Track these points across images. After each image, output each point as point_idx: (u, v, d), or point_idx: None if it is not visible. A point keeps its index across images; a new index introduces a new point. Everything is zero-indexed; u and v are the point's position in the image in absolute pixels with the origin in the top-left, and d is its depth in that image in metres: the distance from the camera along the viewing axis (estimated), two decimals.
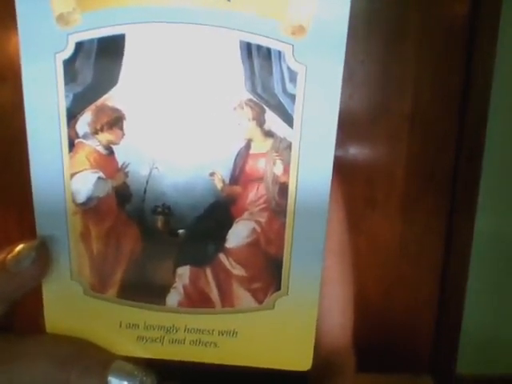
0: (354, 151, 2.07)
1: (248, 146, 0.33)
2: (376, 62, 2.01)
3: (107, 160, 0.33)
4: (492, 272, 2.17)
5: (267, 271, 0.35)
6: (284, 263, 0.34)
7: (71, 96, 0.32)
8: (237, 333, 0.36)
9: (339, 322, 0.92)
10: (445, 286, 2.18)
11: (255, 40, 0.30)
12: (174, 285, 0.35)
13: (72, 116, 0.33)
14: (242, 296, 0.35)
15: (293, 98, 0.31)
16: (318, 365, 0.90)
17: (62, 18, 0.31)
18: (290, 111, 0.32)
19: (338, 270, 0.92)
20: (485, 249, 2.12)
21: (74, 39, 0.31)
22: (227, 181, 0.33)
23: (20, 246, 0.33)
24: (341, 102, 0.31)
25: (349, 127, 2.02)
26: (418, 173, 2.10)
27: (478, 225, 2.09)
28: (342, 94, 0.31)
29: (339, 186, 0.91)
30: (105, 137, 0.33)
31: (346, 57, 0.31)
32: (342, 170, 1.99)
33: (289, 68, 0.31)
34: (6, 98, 1.64)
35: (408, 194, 2.11)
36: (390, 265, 2.17)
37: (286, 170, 0.33)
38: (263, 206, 0.33)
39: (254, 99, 0.32)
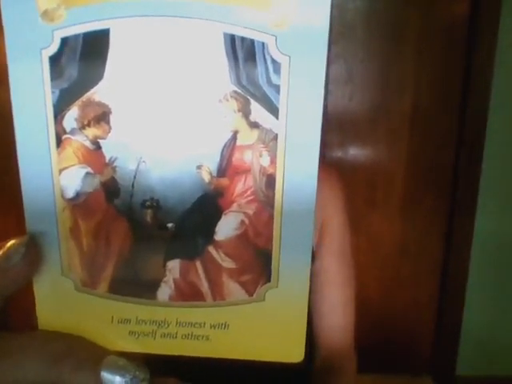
0: (354, 152, 2.08)
1: (234, 137, 0.33)
2: (376, 62, 2.01)
3: (95, 155, 0.33)
4: (492, 272, 2.17)
5: (257, 263, 0.35)
6: (273, 255, 0.34)
7: (58, 92, 0.32)
8: (228, 325, 0.36)
9: (340, 322, 0.92)
10: (445, 286, 2.17)
11: (239, 32, 0.31)
12: (165, 279, 0.35)
13: (59, 112, 0.33)
14: (233, 288, 0.35)
15: (277, 88, 0.31)
16: (320, 365, 0.90)
17: (46, 14, 0.31)
18: (275, 102, 0.32)
19: (339, 272, 0.92)
20: (485, 249, 2.12)
21: (60, 35, 0.31)
22: (214, 173, 0.33)
23: (9, 242, 0.33)
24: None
25: (349, 127, 2.02)
26: (417, 173, 2.10)
27: (477, 225, 2.09)
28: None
29: (342, 190, 0.92)
30: (92, 132, 0.33)
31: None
32: (343, 170, 2.00)
33: (272, 59, 0.31)
34: (6, 98, 1.64)
35: (408, 194, 2.11)
36: (390, 265, 2.17)
37: (273, 162, 0.33)
38: (251, 197, 0.34)
39: (239, 91, 0.32)
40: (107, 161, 0.33)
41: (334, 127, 1.97)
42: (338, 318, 0.92)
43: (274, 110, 0.32)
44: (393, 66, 2.03)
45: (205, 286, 0.35)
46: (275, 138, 0.32)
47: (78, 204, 0.34)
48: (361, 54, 1.98)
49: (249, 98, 0.32)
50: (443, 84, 2.06)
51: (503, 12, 1.92)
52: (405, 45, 2.01)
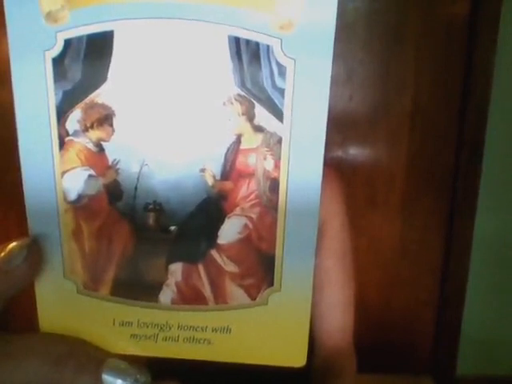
0: (354, 152, 2.07)
1: (238, 141, 0.32)
2: (376, 62, 2.01)
3: (98, 157, 0.33)
4: (492, 272, 2.16)
5: (260, 267, 0.35)
6: (276, 259, 0.34)
7: (61, 94, 0.32)
8: (230, 329, 0.36)
9: (340, 323, 0.93)
10: (445, 286, 2.17)
11: (244, 35, 0.30)
12: (167, 282, 0.35)
13: (62, 114, 0.33)
14: (235, 292, 0.35)
15: (282, 92, 0.31)
16: (320, 365, 0.90)
17: (50, 16, 0.31)
18: (279, 105, 0.31)
19: (339, 272, 0.92)
20: (485, 249, 2.12)
21: (63, 36, 0.31)
22: (218, 176, 0.33)
23: (11, 244, 0.33)
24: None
25: (349, 128, 2.02)
26: (417, 173, 2.10)
27: (477, 225, 2.09)
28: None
29: (342, 191, 0.92)
30: (95, 134, 0.33)
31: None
32: (343, 170, 2.00)
33: (277, 62, 0.31)
34: (7, 98, 1.64)
35: (408, 195, 2.11)
36: (390, 265, 2.17)
37: (277, 165, 0.32)
38: (254, 201, 0.33)
39: (244, 94, 0.32)
40: (110, 163, 0.33)
41: (334, 127, 1.97)
42: (338, 319, 0.93)
43: (278, 114, 0.32)
44: (393, 66, 2.03)
45: (207, 290, 0.35)
46: (279, 141, 0.32)
47: (81, 206, 0.34)
48: (361, 54, 1.98)
49: (253, 101, 0.32)
50: (443, 84, 2.05)
51: (503, 12, 1.92)
52: (405, 45, 2.01)
